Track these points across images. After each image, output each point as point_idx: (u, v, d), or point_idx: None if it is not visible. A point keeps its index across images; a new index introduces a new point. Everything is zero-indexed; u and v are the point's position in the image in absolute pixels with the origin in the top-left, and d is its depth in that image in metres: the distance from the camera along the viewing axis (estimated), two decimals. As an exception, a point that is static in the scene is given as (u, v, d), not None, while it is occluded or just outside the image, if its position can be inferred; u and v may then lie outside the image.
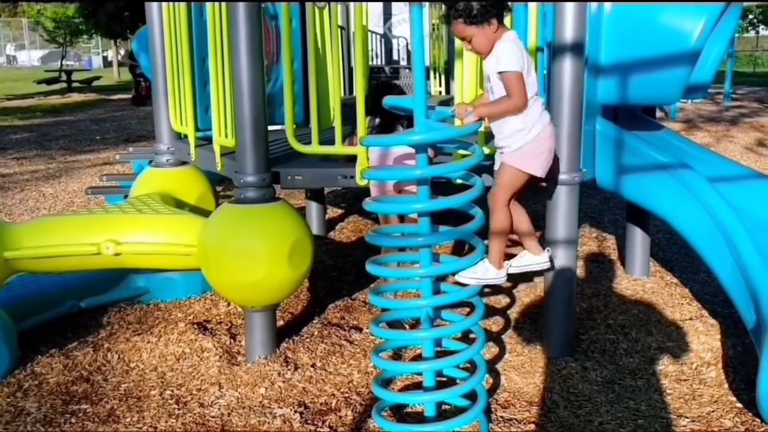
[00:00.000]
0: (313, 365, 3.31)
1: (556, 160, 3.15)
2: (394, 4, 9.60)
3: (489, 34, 2.83)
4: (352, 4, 6.87)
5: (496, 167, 3.17)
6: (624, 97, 3.62)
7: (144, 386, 3.17)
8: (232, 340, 3.58)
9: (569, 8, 3.07)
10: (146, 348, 3.51)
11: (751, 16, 37.15)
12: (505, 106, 2.89)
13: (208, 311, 4.01)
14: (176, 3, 3.98)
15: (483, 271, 3.13)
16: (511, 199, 3.12)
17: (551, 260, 3.27)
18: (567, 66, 3.12)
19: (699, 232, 3.37)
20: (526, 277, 4.48)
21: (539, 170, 3.05)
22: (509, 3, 2.98)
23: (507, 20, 3.03)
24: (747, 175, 4.03)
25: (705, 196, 3.34)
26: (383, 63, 9.48)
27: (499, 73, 2.86)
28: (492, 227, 3.10)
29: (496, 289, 4.20)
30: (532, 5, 3.33)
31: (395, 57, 9.99)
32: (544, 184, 3.22)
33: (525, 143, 2.98)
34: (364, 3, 7.46)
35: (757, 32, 40.04)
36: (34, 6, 27.02)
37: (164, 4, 4.15)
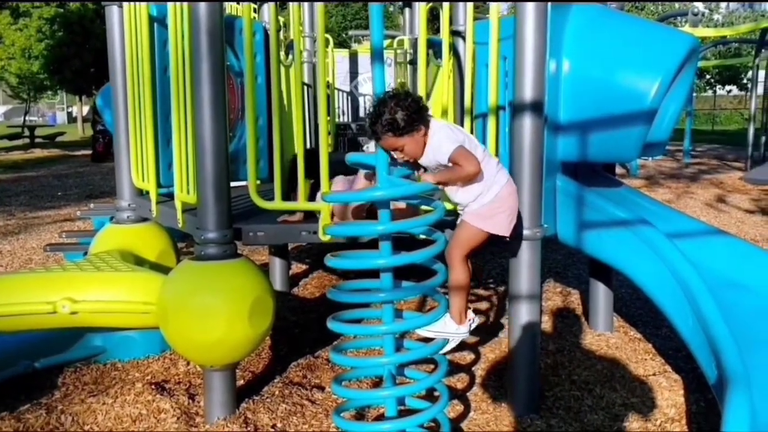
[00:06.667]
0: (273, 426, 3.22)
1: (519, 216, 3.17)
2: (360, 63, 9.76)
3: (419, 138, 2.85)
4: (317, 62, 6.93)
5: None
6: (583, 155, 3.68)
7: (97, 450, 3.06)
8: (190, 401, 3.48)
9: (528, 68, 3.13)
10: (102, 410, 3.40)
11: (708, 76, 38.35)
12: (460, 172, 2.90)
13: (167, 371, 3.91)
14: (139, 59, 3.98)
15: (442, 325, 3.12)
16: (469, 255, 3.13)
17: (470, 329, 3.26)
18: (527, 124, 3.16)
19: (660, 288, 3.40)
20: (492, 331, 4.48)
21: (500, 229, 3.08)
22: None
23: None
24: (706, 231, 4.10)
25: (665, 252, 3.37)
26: (350, 120, 9.58)
27: (449, 160, 2.89)
28: (450, 283, 3.10)
29: (460, 345, 4.16)
30: (492, 66, 3.39)
31: (361, 114, 10.10)
32: (507, 238, 3.22)
33: (483, 203, 3.04)
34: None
35: (715, 92, 41.34)
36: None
37: (127, 59, 4.14)
